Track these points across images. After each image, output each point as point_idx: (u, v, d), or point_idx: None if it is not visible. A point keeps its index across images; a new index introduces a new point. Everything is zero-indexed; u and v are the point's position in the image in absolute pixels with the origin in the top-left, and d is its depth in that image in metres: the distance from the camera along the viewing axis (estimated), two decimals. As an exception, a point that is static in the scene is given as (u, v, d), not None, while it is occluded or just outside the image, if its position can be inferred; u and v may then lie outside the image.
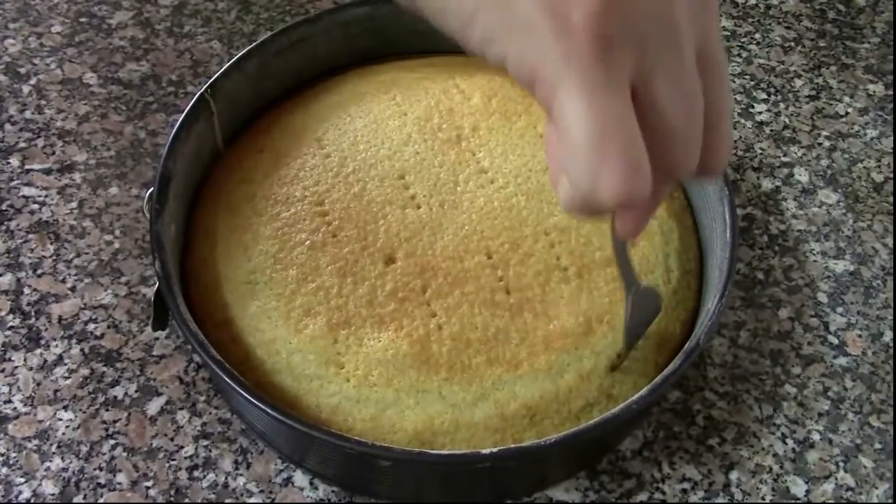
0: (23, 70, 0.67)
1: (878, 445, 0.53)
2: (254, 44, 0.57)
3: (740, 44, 0.73)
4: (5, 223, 0.59)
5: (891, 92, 0.70)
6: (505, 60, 0.33)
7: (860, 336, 0.57)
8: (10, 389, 0.52)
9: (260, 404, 0.43)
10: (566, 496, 0.50)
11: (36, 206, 0.60)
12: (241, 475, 0.50)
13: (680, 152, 0.33)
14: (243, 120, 0.58)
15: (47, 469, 0.50)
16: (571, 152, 0.31)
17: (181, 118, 0.52)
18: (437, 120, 0.56)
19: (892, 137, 0.67)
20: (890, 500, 0.51)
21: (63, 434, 0.51)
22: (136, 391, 0.53)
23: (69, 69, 0.67)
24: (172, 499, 0.49)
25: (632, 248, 0.51)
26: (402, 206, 0.52)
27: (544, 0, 0.31)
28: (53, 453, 0.50)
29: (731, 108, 0.35)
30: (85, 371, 0.53)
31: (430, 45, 0.62)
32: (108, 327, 0.55)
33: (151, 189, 0.50)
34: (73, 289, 0.56)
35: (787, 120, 0.68)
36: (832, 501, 0.51)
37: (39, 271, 0.57)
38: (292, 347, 0.48)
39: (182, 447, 0.51)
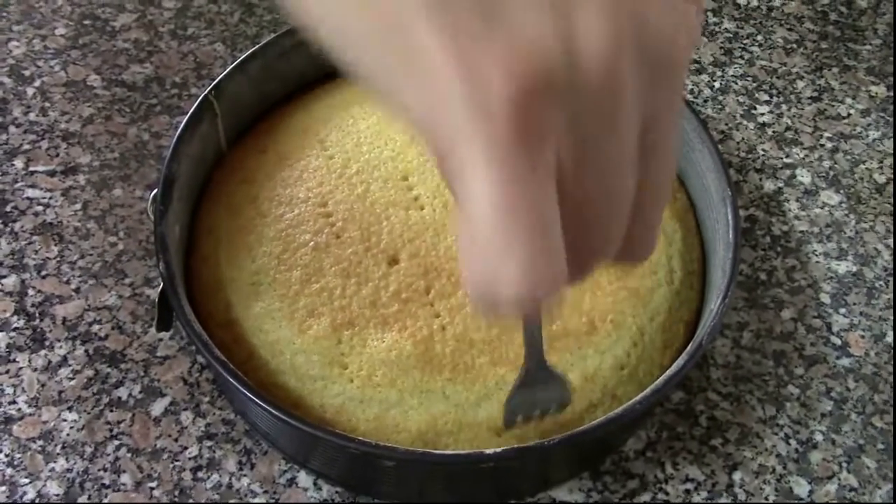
0: (27, 72, 0.67)
1: (880, 446, 0.53)
2: (257, 46, 0.57)
3: (742, 46, 0.73)
4: (10, 225, 0.59)
5: (892, 93, 0.70)
6: (401, 110, 0.27)
7: (863, 337, 0.57)
8: (14, 390, 0.52)
9: (264, 404, 0.43)
10: (569, 496, 0.50)
11: (40, 208, 0.60)
12: (244, 476, 0.50)
13: (596, 242, 0.29)
14: (247, 122, 0.58)
15: (52, 470, 0.50)
16: (470, 241, 0.26)
17: (185, 120, 0.52)
18: (440, 121, 0.56)
19: (893, 139, 0.67)
20: (892, 501, 0.51)
21: (67, 435, 0.51)
22: (141, 392, 0.53)
23: (73, 71, 0.68)
24: (176, 499, 0.49)
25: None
26: (406, 207, 0.52)
27: (453, 46, 0.25)
28: (58, 454, 0.50)
29: (667, 195, 0.31)
30: (89, 372, 0.53)
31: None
32: (113, 328, 0.55)
33: (155, 191, 0.50)
34: (77, 290, 0.56)
35: (789, 121, 0.68)
36: (835, 502, 0.51)
37: (44, 273, 0.57)
38: (296, 348, 0.48)
39: (186, 448, 0.51)
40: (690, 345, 0.47)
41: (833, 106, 0.69)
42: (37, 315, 0.55)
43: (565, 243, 0.27)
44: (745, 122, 0.68)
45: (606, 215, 0.29)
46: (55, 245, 0.58)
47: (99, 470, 0.50)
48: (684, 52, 0.28)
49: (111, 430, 0.51)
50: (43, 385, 0.53)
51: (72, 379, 0.53)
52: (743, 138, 0.67)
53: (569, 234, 0.27)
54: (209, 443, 0.51)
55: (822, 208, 0.63)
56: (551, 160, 0.26)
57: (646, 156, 0.28)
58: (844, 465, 0.52)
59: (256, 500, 0.49)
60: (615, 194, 0.28)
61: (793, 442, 0.53)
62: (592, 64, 0.25)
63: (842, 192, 0.64)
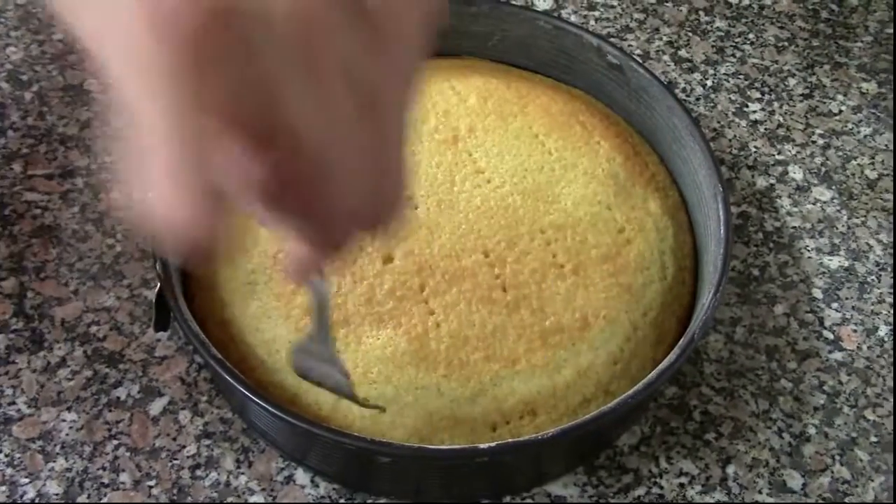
0: (25, 77, 0.68)
1: (873, 438, 0.53)
2: (252, 48, 0.57)
3: (734, 44, 0.73)
4: (8, 228, 0.59)
5: (883, 90, 0.71)
6: (81, 33, 0.28)
7: (855, 331, 0.58)
8: (14, 391, 0.53)
9: (261, 402, 0.44)
10: (564, 491, 0.51)
11: (38, 211, 0.60)
12: (242, 474, 0.50)
13: (336, 202, 0.30)
14: (242, 123, 0.59)
15: (51, 469, 0.50)
16: (135, 168, 0.28)
17: (181, 122, 0.53)
18: (434, 121, 0.56)
19: (885, 135, 0.68)
20: (885, 493, 0.51)
21: (67, 435, 0.51)
22: (139, 392, 0.53)
23: (71, 76, 0.68)
24: (175, 498, 0.50)
25: (628, 246, 0.52)
26: (400, 206, 0.52)
27: None
28: (57, 454, 0.51)
29: (405, 163, 0.32)
30: (88, 373, 0.54)
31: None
32: (111, 329, 0.55)
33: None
34: (75, 292, 0.57)
35: (781, 118, 0.69)
36: (828, 495, 0.51)
37: (42, 275, 0.58)
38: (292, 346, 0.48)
39: (184, 447, 0.51)
40: (683, 339, 0.48)
41: (824, 103, 0.70)
42: (36, 317, 0.56)
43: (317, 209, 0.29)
44: (737, 120, 0.68)
45: (333, 174, 0.29)
46: (53, 248, 0.59)
47: (98, 469, 0.50)
48: (412, 27, 0.29)
49: (110, 430, 0.52)
50: (42, 386, 0.53)
51: (71, 379, 0.53)
52: (735, 136, 0.68)
53: (309, 202, 0.29)
54: (207, 441, 0.51)
55: (814, 204, 0.64)
56: (222, 101, 0.26)
57: (371, 115, 0.29)
58: (837, 457, 0.53)
59: (254, 499, 0.50)
60: (334, 147, 0.28)
61: (786, 435, 0.53)
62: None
63: (833, 188, 0.65)
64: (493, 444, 0.44)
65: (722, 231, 0.51)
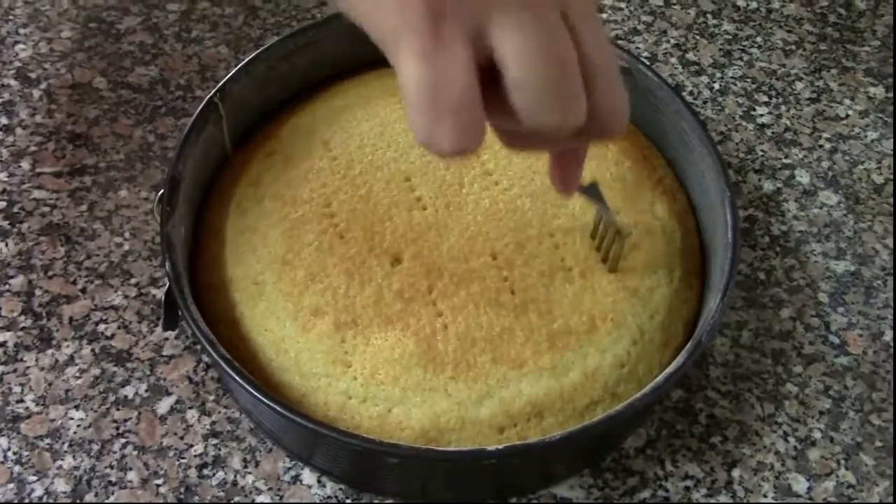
0: (33, 75, 0.68)
1: (878, 443, 0.53)
2: (261, 48, 0.57)
3: (742, 47, 0.73)
4: (17, 225, 0.60)
5: (891, 94, 0.71)
6: (357, 19, 0.35)
7: (861, 335, 0.58)
8: (22, 389, 0.53)
9: (269, 402, 0.44)
10: (570, 493, 0.51)
11: (47, 209, 0.61)
12: (249, 473, 0.51)
13: (537, 106, 0.34)
14: (251, 123, 0.59)
15: (59, 467, 0.50)
16: (409, 111, 0.33)
17: (190, 122, 0.53)
18: (443, 123, 0.56)
19: (892, 139, 0.68)
20: (891, 498, 0.52)
21: (75, 433, 0.52)
22: (147, 391, 0.53)
23: (79, 74, 0.68)
24: (182, 497, 0.50)
25: (635, 250, 0.52)
26: (409, 207, 0.53)
27: None
28: (65, 452, 0.51)
29: (614, 68, 0.36)
30: (96, 371, 0.54)
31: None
32: (119, 328, 0.56)
33: (161, 191, 0.50)
34: (83, 290, 0.57)
35: (788, 122, 0.69)
36: (833, 499, 0.51)
37: (51, 273, 0.58)
38: (300, 346, 0.48)
39: (192, 446, 0.51)
40: (690, 343, 0.48)
41: (832, 107, 0.70)
42: (44, 315, 0.56)
43: (521, 118, 0.34)
44: (744, 124, 0.68)
45: (536, 78, 0.33)
46: (62, 246, 0.59)
47: (106, 467, 0.50)
48: None
49: (118, 429, 0.52)
50: (50, 384, 0.53)
51: (79, 378, 0.54)
52: (742, 139, 0.68)
53: (520, 108, 0.34)
54: (214, 441, 0.52)
55: (820, 208, 0.64)
56: (463, 40, 0.32)
57: (573, 27, 0.34)
58: (843, 462, 0.53)
59: (261, 498, 0.50)
60: (540, 56, 0.33)
61: (791, 439, 0.53)
62: None
63: (840, 192, 0.65)
64: (500, 447, 0.44)
65: (729, 235, 0.51)
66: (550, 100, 0.34)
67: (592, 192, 0.49)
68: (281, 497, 0.50)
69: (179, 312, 0.48)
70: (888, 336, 0.58)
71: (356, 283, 0.50)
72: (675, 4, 0.76)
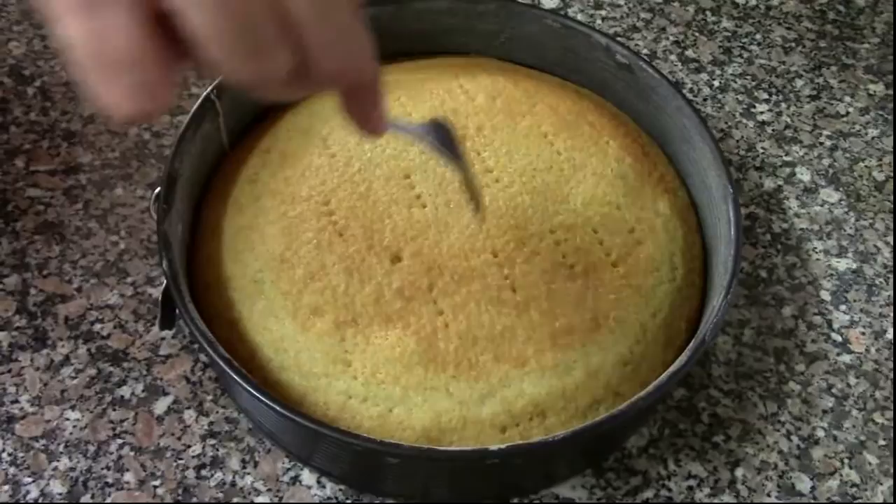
0: (27, 72, 0.67)
1: (882, 442, 0.53)
2: (259, 45, 0.57)
3: (741, 44, 0.73)
4: (11, 224, 0.59)
5: (891, 91, 0.71)
6: None
7: (863, 333, 0.58)
8: (17, 389, 0.52)
9: (268, 401, 0.43)
10: (573, 493, 0.50)
11: (41, 207, 0.60)
12: (248, 474, 0.50)
13: (222, 61, 0.31)
14: (248, 120, 0.58)
15: (55, 468, 0.50)
16: (78, 75, 0.30)
17: (187, 119, 0.52)
18: (442, 120, 0.56)
19: (892, 137, 0.68)
20: (894, 498, 0.51)
21: (70, 434, 0.51)
22: (143, 391, 0.53)
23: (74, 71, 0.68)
24: (180, 498, 0.49)
25: (637, 247, 0.52)
26: (408, 205, 0.52)
27: None
28: (61, 453, 0.50)
29: (332, 6, 0.32)
30: (92, 371, 0.53)
31: (433, 47, 0.62)
32: (115, 327, 0.55)
33: (158, 189, 0.50)
34: (79, 289, 0.56)
35: (788, 120, 0.68)
36: (837, 498, 0.51)
37: (45, 272, 0.57)
38: (300, 345, 0.48)
39: (189, 446, 0.51)
40: (693, 341, 0.47)
41: (832, 104, 0.70)
42: (39, 314, 0.55)
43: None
44: (744, 121, 0.68)
45: (232, 36, 0.30)
46: (57, 244, 0.58)
47: (102, 468, 0.50)
48: None
49: (114, 429, 0.51)
50: (45, 384, 0.53)
51: (74, 378, 0.53)
52: (742, 136, 0.67)
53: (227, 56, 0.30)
54: (212, 441, 0.51)
55: (821, 206, 0.64)
56: None
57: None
58: (846, 461, 0.52)
59: (260, 499, 0.49)
60: (229, 12, 0.29)
61: (794, 438, 0.53)
62: None
63: (841, 189, 0.65)
64: (503, 446, 0.43)
65: (732, 232, 0.50)
66: (235, 54, 0.30)
67: (420, 130, 0.45)
68: (280, 498, 0.49)
69: (177, 311, 0.47)
70: (890, 334, 0.58)
71: (356, 282, 0.49)
72: (674, 1, 0.75)
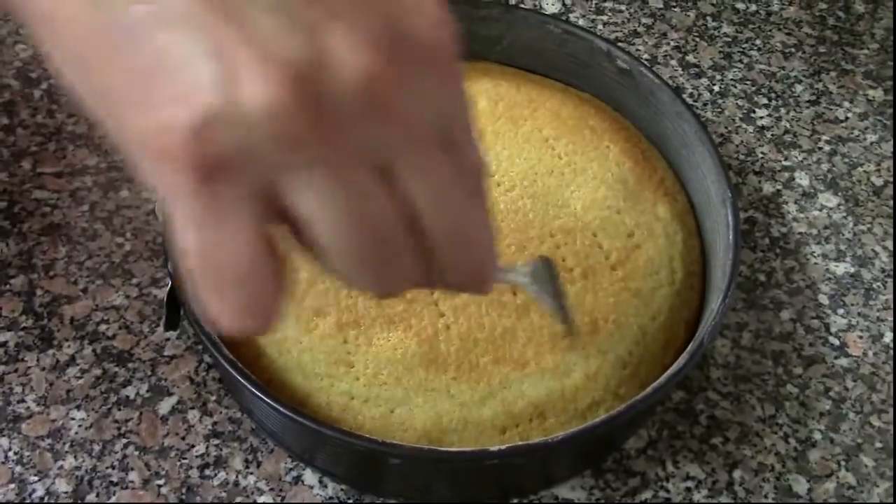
0: (34, 75, 0.68)
1: (878, 444, 0.54)
2: (263, 49, 0.57)
3: (741, 50, 0.74)
4: (18, 225, 0.60)
5: (890, 97, 0.71)
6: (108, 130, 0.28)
7: (861, 337, 0.58)
8: (23, 389, 0.53)
9: (271, 402, 0.44)
10: (572, 494, 0.51)
11: (48, 209, 0.60)
12: (251, 474, 0.51)
13: (348, 273, 0.30)
14: (253, 124, 0.59)
15: (60, 468, 0.50)
16: (192, 276, 0.28)
17: (193, 122, 0.53)
18: (444, 124, 0.56)
19: (891, 142, 0.68)
20: (891, 499, 0.52)
21: (76, 433, 0.52)
22: (148, 391, 0.53)
23: (79, 74, 0.68)
24: (184, 497, 0.50)
25: (637, 251, 0.52)
26: (410, 208, 0.53)
27: (137, 70, 0.26)
28: (66, 452, 0.51)
29: (463, 224, 0.30)
30: (97, 371, 0.54)
31: (436, 51, 0.62)
32: (120, 328, 0.56)
33: (164, 191, 0.50)
34: (84, 290, 0.57)
35: (787, 125, 0.69)
36: (834, 500, 0.52)
37: (52, 273, 0.58)
38: (303, 346, 0.48)
39: (193, 446, 0.51)
40: (691, 344, 0.48)
41: (831, 109, 0.70)
42: (45, 315, 0.56)
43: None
44: (744, 126, 0.69)
45: (358, 252, 0.29)
46: (63, 246, 0.59)
47: (107, 468, 0.50)
48: (448, 38, 0.28)
49: (119, 429, 0.52)
50: (51, 384, 0.53)
51: (80, 378, 0.54)
52: (742, 141, 0.68)
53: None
54: (216, 441, 0.52)
55: (820, 210, 0.64)
56: (249, 204, 0.26)
57: (399, 189, 0.28)
58: (843, 463, 0.53)
59: (262, 499, 0.50)
60: (357, 228, 0.28)
61: (792, 441, 0.54)
62: (352, 74, 0.25)
63: (840, 194, 0.65)
64: (503, 447, 0.44)
65: (731, 237, 0.51)
66: (361, 268, 0.29)
67: (527, 273, 0.45)
68: (283, 498, 0.50)
69: (181, 312, 0.48)
70: (888, 337, 0.58)
71: (358, 284, 0.50)
72: (674, 7, 0.76)
